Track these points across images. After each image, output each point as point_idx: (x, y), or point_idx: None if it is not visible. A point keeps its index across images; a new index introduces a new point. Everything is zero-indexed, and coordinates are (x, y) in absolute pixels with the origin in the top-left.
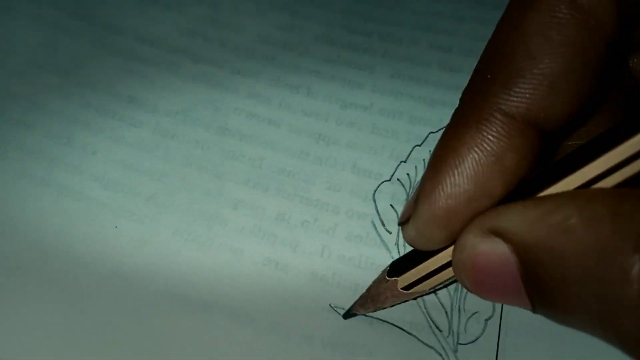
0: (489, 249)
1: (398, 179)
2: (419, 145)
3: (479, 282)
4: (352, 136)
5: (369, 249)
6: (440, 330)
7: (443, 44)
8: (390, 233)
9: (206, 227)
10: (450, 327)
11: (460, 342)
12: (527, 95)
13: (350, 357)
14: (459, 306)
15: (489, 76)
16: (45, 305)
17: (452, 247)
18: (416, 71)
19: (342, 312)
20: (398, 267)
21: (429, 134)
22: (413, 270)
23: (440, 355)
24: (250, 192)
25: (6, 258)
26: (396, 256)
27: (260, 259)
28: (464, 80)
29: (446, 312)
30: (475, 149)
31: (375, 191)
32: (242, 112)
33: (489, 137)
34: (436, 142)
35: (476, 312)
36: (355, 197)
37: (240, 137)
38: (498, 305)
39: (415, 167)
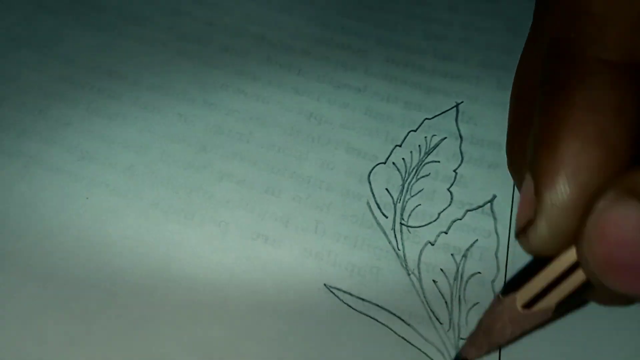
0: (622, 215)
1: (393, 163)
2: (414, 131)
3: (608, 259)
4: (345, 117)
5: (364, 230)
6: (441, 323)
7: (437, 33)
8: (387, 217)
9: (188, 199)
10: (450, 320)
11: (461, 336)
12: (621, 38)
13: (345, 340)
14: (459, 296)
15: (572, 35)
16: (10, 278)
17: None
18: (410, 58)
19: (337, 292)
20: (514, 284)
21: (424, 120)
22: (534, 280)
23: (440, 352)
24: (237, 165)
25: None
26: (393, 241)
27: (248, 233)
28: (458, 69)
29: (446, 303)
30: (591, 107)
31: (370, 173)
32: (229, 87)
33: (602, 91)
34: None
35: (477, 303)
36: (350, 176)
37: (227, 112)
38: None
39: (411, 152)
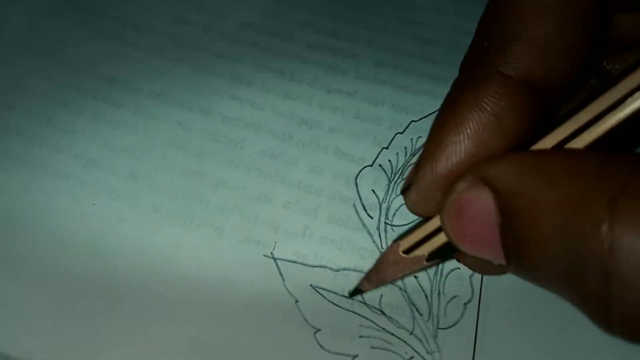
0: (474, 196)
1: (380, 165)
2: (401, 133)
3: (460, 229)
4: (335, 121)
5: (350, 231)
6: (421, 314)
7: (425, 37)
8: (372, 218)
9: (186, 205)
10: (430, 311)
11: (440, 326)
12: (523, 57)
13: (330, 339)
14: (439, 290)
15: (485, 43)
16: (20, 282)
17: None
18: (399, 61)
19: (323, 292)
20: (404, 235)
21: (410, 122)
22: (414, 233)
23: (421, 341)
24: (231, 172)
25: None
26: (377, 241)
27: (241, 238)
28: (445, 72)
29: (426, 296)
30: (476, 108)
31: (357, 175)
32: (224, 94)
33: (489, 96)
34: (427, 127)
35: (455, 296)
36: (338, 180)
37: (223, 119)
38: (477, 290)
39: (397, 154)
